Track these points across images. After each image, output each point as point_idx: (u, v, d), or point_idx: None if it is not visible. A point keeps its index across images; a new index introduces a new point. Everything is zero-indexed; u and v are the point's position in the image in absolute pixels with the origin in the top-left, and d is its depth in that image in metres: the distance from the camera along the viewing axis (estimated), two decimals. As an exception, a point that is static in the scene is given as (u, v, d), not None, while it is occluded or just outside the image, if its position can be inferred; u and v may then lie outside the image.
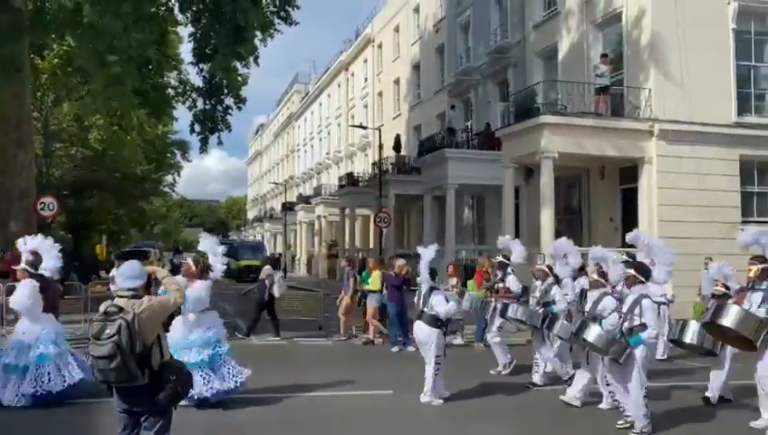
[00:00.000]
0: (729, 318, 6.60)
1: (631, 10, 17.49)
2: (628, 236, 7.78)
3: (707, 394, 7.95)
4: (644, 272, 6.73)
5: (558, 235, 16.50)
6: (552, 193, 16.72)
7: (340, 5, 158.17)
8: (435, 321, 7.70)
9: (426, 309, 7.81)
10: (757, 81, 17.92)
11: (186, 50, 35.34)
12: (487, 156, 21.20)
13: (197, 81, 18.62)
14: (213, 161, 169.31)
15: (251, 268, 34.53)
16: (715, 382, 7.91)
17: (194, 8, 16.37)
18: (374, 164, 31.34)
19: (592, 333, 6.70)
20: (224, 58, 15.42)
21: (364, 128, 33.48)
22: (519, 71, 22.78)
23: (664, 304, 11.07)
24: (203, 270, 7.52)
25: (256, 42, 16.36)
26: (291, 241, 52.19)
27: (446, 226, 22.59)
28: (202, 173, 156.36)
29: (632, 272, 6.75)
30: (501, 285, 10.23)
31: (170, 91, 21.66)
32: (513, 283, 9.96)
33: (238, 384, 7.44)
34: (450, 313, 7.82)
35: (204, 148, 18.52)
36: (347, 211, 34.35)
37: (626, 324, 6.54)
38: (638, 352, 6.42)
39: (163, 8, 17.42)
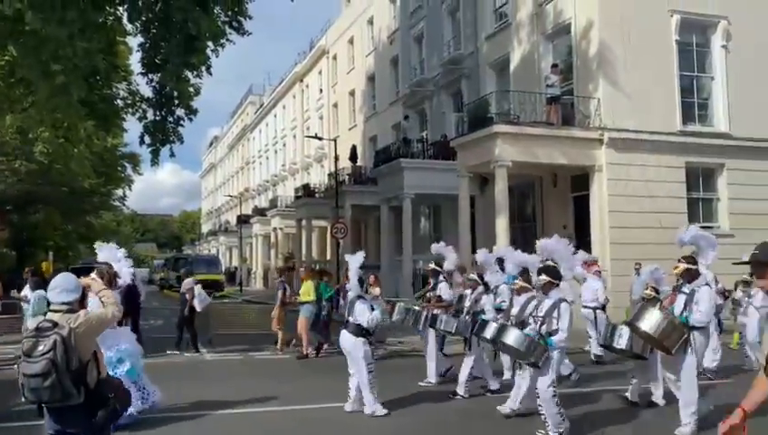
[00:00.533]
0: (648, 323, 6.63)
1: (580, 22, 17.95)
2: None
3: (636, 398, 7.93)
4: (556, 275, 6.67)
5: (513, 243, 16.73)
6: (507, 201, 16.94)
7: (295, 17, 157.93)
8: (359, 330, 7.50)
9: (351, 318, 7.63)
10: (700, 90, 18.60)
11: (135, 59, 34.64)
12: (443, 166, 21.38)
13: (147, 91, 18.21)
14: (166, 175, 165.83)
15: (206, 283, 33.95)
16: (636, 387, 7.92)
17: (143, 17, 16.00)
18: (330, 175, 31.25)
19: (511, 336, 6.52)
20: (174, 68, 15.06)
21: (320, 139, 33.35)
22: (472, 81, 23.08)
23: (599, 308, 11.23)
24: (110, 280, 7.10)
25: (208, 52, 16.07)
26: (246, 254, 51.45)
27: (402, 236, 22.63)
28: (155, 187, 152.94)
29: (546, 278, 6.63)
30: (432, 293, 9.85)
31: (119, 102, 21.10)
32: (444, 291, 9.55)
33: (147, 405, 7.14)
34: (373, 322, 7.56)
35: (155, 160, 18.04)
36: (303, 223, 34.09)
37: (544, 328, 6.47)
38: (555, 355, 6.43)
39: (111, 17, 16.98)
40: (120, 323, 12.72)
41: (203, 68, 15.82)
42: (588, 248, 17.11)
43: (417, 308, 9.71)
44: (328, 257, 33.18)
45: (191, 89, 16.74)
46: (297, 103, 46.71)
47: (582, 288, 11.49)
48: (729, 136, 18.10)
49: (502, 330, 6.78)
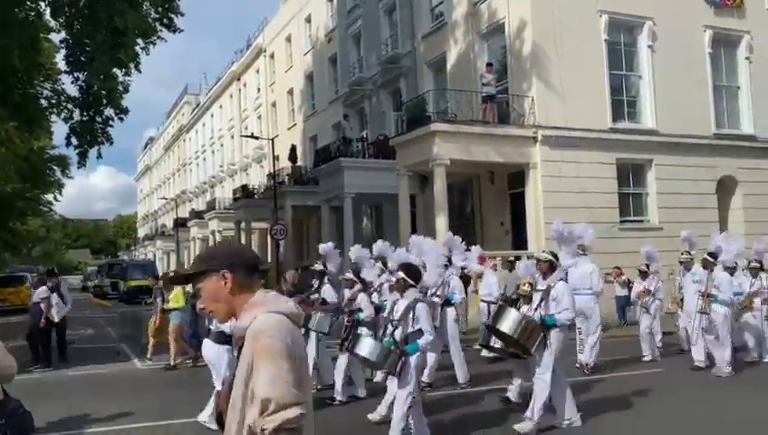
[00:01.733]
0: (506, 323, 6.46)
1: (513, 21, 18.25)
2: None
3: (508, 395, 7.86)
4: (413, 274, 6.27)
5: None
6: (446, 199, 17.06)
7: (232, 16, 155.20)
8: (223, 337, 7.03)
9: (212, 326, 7.13)
10: (628, 89, 19.24)
11: (61, 57, 33.14)
12: (383, 165, 21.34)
13: (74, 90, 17.43)
14: (100, 178, 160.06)
15: (141, 289, 32.88)
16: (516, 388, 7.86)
17: (66, 12, 15.29)
18: (269, 175, 30.77)
19: (365, 348, 6.11)
20: (101, 65, 14.46)
21: (257, 138, 32.81)
22: (410, 80, 23.17)
23: (494, 303, 11.10)
24: None
25: (138, 49, 15.53)
26: (184, 259, 50.14)
27: (344, 236, 22.48)
28: (89, 191, 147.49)
29: (401, 275, 6.22)
30: (316, 295, 9.39)
31: (44, 102, 20.10)
32: (328, 293, 9.07)
33: None
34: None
35: (82, 162, 17.29)
36: (242, 225, 33.46)
37: (398, 333, 6.04)
38: (412, 360, 5.96)
39: (32, 12, 16.14)
40: (48, 333, 12.20)
41: (132, 65, 15.26)
42: (524, 244, 17.46)
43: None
44: (269, 259, 32.68)
45: (120, 87, 16.10)
46: (234, 103, 45.84)
47: (481, 283, 11.77)
48: (656, 133, 18.80)
49: (355, 340, 6.42)
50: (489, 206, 19.66)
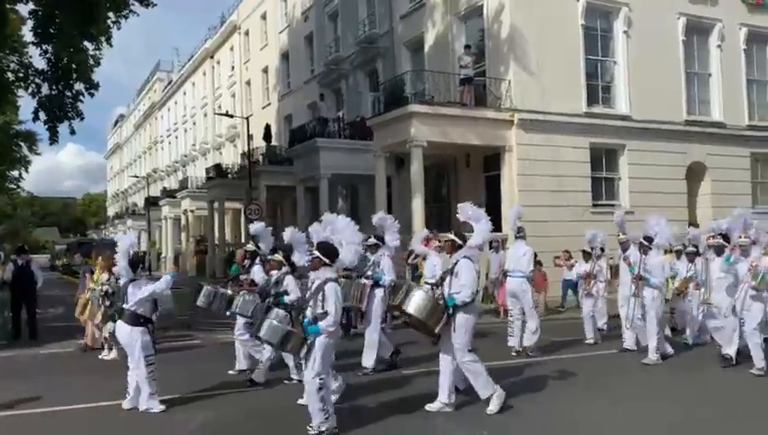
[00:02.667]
0: (413, 304, 6.35)
1: (491, 4, 18.24)
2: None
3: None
4: (328, 253, 6.00)
5: (428, 222, 16.95)
6: (422, 181, 17.09)
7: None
8: (136, 318, 6.88)
9: (126, 305, 6.93)
10: (603, 74, 19.41)
11: (28, 29, 32.16)
12: (360, 146, 21.27)
13: (41, 63, 16.94)
14: (69, 156, 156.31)
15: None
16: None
17: (34, -18, 14.82)
18: (243, 155, 30.44)
19: (264, 330, 5.96)
20: (70, 38, 14.06)
21: (231, 117, 32.40)
22: (388, 61, 23.03)
23: (437, 286, 11.16)
24: None
25: (110, 23, 15.14)
26: (156, 238, 49.53)
27: (319, 217, 22.38)
28: (57, 168, 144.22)
29: (316, 253, 6.02)
30: (245, 277, 9.11)
31: (10, 75, 19.49)
32: (258, 274, 8.81)
33: None
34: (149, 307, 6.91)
35: (53, 138, 16.89)
36: (216, 205, 33.11)
37: (309, 313, 5.86)
38: (318, 343, 5.71)
39: (-3, -19, 15.60)
40: (18, 309, 11.96)
41: (103, 39, 14.88)
42: (498, 226, 17.60)
43: (228, 292, 8.91)
44: (243, 240, 32.44)
45: (91, 60, 15.69)
46: (208, 80, 45.09)
47: (425, 265, 11.27)
48: (630, 118, 19.05)
49: (261, 322, 6.17)
50: (465, 188, 19.75)
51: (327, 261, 5.95)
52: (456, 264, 6.62)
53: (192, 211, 38.71)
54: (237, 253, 9.78)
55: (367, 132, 20.16)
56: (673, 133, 19.49)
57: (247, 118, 29.43)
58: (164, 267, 45.09)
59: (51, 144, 17.14)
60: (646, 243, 9.46)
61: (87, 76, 15.64)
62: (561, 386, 7.88)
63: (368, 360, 8.55)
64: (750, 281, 8.22)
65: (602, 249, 11.56)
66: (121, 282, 7.29)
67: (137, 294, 6.87)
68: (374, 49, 23.74)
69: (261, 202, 25.95)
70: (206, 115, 45.45)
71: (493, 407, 6.49)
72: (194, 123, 48.56)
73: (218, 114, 35.69)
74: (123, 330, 6.97)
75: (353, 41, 25.09)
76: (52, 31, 15.00)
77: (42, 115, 16.03)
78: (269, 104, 34.63)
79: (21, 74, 19.69)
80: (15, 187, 40.49)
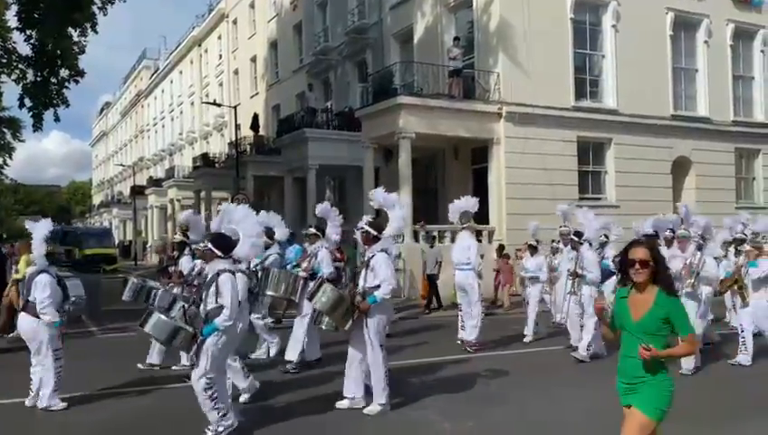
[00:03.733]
0: (319, 298, 6.23)
1: (481, -4, 18.20)
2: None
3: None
4: (222, 245, 5.60)
5: (416, 214, 16.98)
6: (410, 173, 17.09)
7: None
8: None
9: (30, 298, 6.48)
10: (592, 68, 19.50)
11: (12, 14, 31.67)
12: (348, 136, 21.20)
13: (26, 49, 16.72)
14: (53, 143, 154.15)
15: (96, 257, 32.19)
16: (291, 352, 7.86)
17: (19, -33, 14.62)
18: (231, 144, 30.26)
19: (150, 324, 5.57)
20: (55, 24, 13.89)
21: (219, 106, 32.17)
22: (377, 52, 22.95)
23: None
24: None
25: (96, 9, 14.96)
26: (141, 227, 49.21)
27: (307, 208, 22.35)
28: (41, 156, 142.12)
29: (208, 245, 5.60)
30: (173, 268, 8.83)
31: (-7, 61, 19.22)
32: (186, 264, 8.55)
33: None
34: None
35: (38, 125, 16.73)
36: (202, 194, 32.93)
37: (201, 309, 5.49)
38: (209, 341, 5.31)
39: (-19, -35, 15.37)
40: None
41: (88, 25, 14.71)
42: (486, 219, 17.68)
43: (156, 285, 8.43)
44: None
45: (75, 48, 15.51)
46: (195, 69, 44.70)
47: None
48: (617, 112, 19.16)
49: (147, 316, 5.74)
50: (452, 180, 19.78)
51: (219, 253, 5.54)
52: (371, 257, 6.28)
53: (178, 200, 38.46)
54: (156, 244, 9.39)
55: (355, 123, 20.11)
56: (659, 128, 19.63)
57: (235, 107, 29.23)
58: (150, 256, 44.86)
59: (35, 131, 16.98)
60: (576, 238, 9.18)
61: (72, 63, 15.47)
62: (488, 383, 7.61)
63: (292, 353, 8.13)
64: (686, 279, 7.98)
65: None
66: (29, 271, 6.83)
67: (45, 289, 6.39)
68: (363, 40, 23.64)
69: (248, 192, 25.83)
70: (193, 104, 45.09)
71: (372, 409, 6.17)
72: (181, 112, 48.17)
73: (206, 103, 35.41)
74: (26, 322, 6.49)
75: (342, 31, 24.97)
76: (36, 16, 14.83)
77: (27, 102, 15.86)
78: (257, 94, 34.42)
79: (4, 60, 19.44)
80: (-1, 174, 39.96)
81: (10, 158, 38.83)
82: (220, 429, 5.32)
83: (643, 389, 3.50)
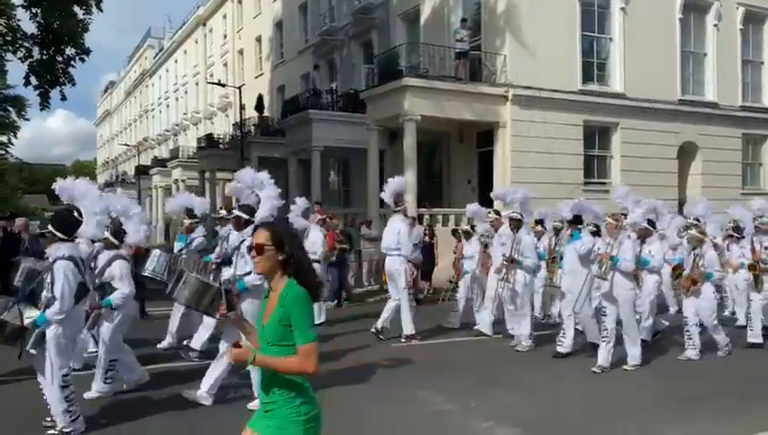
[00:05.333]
0: (185, 287, 5.82)
1: (489, -23, 18.00)
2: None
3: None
4: (62, 226, 5.13)
5: (421, 197, 16.98)
6: (415, 156, 17.04)
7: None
8: None
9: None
10: (599, 51, 19.32)
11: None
12: (352, 118, 21.11)
13: (31, 27, 16.66)
14: (58, 122, 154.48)
15: (102, 236, 32.27)
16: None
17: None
18: (235, 125, 30.19)
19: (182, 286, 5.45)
20: (60, 2, 13.83)
21: (223, 86, 32.02)
22: (382, 32, 22.79)
23: (317, 261, 10.25)
24: None
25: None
26: (146, 207, 49.30)
27: (311, 189, 22.35)
28: (46, 135, 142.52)
29: (50, 228, 5.15)
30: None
31: (-2, 39, 19.16)
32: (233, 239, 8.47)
33: None
34: None
35: (45, 103, 16.72)
36: (207, 175, 32.92)
37: (44, 295, 5.05)
38: (48, 335, 4.97)
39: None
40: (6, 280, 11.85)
41: (93, 3, 14.64)
42: (490, 203, 17.65)
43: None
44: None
45: (80, 25, 15.45)
46: (200, 49, 44.48)
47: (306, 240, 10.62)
48: (624, 96, 19.02)
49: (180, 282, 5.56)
50: (457, 163, 19.75)
51: (60, 235, 5.05)
52: (242, 242, 5.92)
53: (183, 181, 38.48)
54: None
55: (360, 105, 20.02)
56: (666, 112, 19.50)
57: (240, 88, 29.12)
58: (155, 237, 45.00)
59: (41, 109, 16.97)
60: (516, 220, 8.70)
61: (78, 41, 15.42)
62: (385, 374, 7.46)
63: (197, 342, 7.83)
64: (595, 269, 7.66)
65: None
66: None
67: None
68: (369, 20, 23.45)
69: (253, 173, 25.81)
70: (197, 84, 44.92)
71: (196, 392, 5.91)
72: (185, 92, 48.01)
73: (210, 83, 35.27)
74: None
75: (348, 11, 24.77)
76: (41, -6, 14.76)
77: (33, 80, 15.84)
78: (262, 74, 34.26)
79: (9, 38, 19.38)
80: (4, 152, 40.06)
81: (15, 136, 38.87)
82: (69, 430, 5.05)
83: (271, 417, 2.72)
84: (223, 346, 5.93)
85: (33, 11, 15.20)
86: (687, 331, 8.13)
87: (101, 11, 15.52)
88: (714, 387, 6.97)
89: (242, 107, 27.67)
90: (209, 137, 33.88)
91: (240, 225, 6.23)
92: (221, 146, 32.24)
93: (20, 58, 16.83)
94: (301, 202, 10.89)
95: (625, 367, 7.57)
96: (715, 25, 20.75)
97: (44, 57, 15.90)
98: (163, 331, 8.73)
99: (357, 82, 23.54)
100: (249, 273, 5.85)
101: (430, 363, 8.00)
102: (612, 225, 7.63)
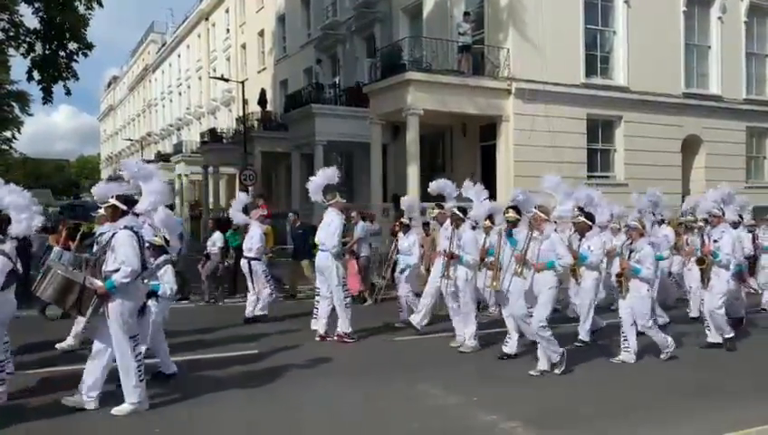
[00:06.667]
0: (47, 284, 5.40)
1: (492, -30, 17.93)
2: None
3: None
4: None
5: (423, 191, 16.94)
6: (418, 150, 17.04)
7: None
8: None
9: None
10: (603, 44, 19.25)
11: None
12: (355, 112, 21.11)
13: (33, 22, 16.67)
14: (62, 117, 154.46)
15: (106, 231, 32.37)
16: None
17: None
18: (238, 119, 30.21)
19: None
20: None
21: (226, 81, 32.01)
22: (385, 26, 22.74)
23: (256, 259, 10.32)
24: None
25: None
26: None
27: (314, 183, 22.33)
28: (49, 130, 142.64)
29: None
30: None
31: (0, 34, 19.17)
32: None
33: None
34: None
35: (48, 98, 16.74)
36: (210, 169, 32.96)
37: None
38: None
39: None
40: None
41: (94, -1, 14.64)
42: (493, 197, 17.62)
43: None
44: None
45: (81, 20, 15.44)
46: (202, 43, 44.45)
47: (246, 236, 10.43)
48: (627, 90, 18.96)
49: None
50: (460, 157, 19.72)
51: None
52: (113, 236, 5.47)
53: (186, 176, 38.56)
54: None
55: (363, 99, 20.00)
56: (670, 106, 19.43)
57: (242, 82, 29.14)
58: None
59: (44, 104, 16.99)
60: (460, 214, 8.28)
61: (80, 36, 15.44)
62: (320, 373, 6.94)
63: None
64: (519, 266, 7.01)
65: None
66: None
67: None
68: (372, 14, 23.39)
69: (255, 168, 25.86)
70: (200, 78, 44.92)
71: (121, 409, 5.44)
72: (188, 87, 48.02)
73: (213, 78, 35.25)
74: None
75: (350, 5, 24.70)
76: (42, -12, 14.75)
77: (36, 75, 15.86)
78: (264, 69, 34.24)
79: (11, 33, 19.39)
80: (8, 148, 40.16)
81: (18, 132, 38.94)
82: None
83: None
84: (97, 346, 5.55)
85: (36, 6, 15.21)
86: (623, 332, 7.57)
87: (102, 6, 15.50)
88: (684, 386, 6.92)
89: (245, 101, 27.68)
90: (212, 132, 33.93)
91: (116, 216, 5.60)
92: (224, 141, 32.27)
93: (23, 53, 16.85)
94: (242, 196, 10.67)
95: (538, 369, 6.98)
96: (720, 18, 20.64)
97: (47, 52, 15.92)
98: (65, 331, 8.18)
99: (360, 76, 23.51)
100: (118, 270, 5.37)
101: (429, 357, 8.01)
102: (540, 217, 7.09)
